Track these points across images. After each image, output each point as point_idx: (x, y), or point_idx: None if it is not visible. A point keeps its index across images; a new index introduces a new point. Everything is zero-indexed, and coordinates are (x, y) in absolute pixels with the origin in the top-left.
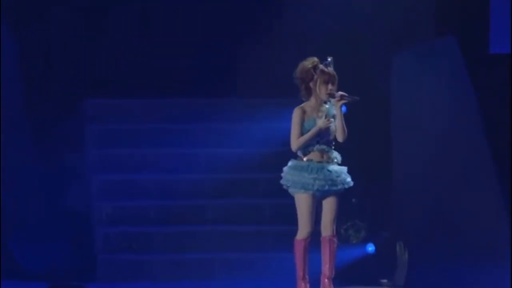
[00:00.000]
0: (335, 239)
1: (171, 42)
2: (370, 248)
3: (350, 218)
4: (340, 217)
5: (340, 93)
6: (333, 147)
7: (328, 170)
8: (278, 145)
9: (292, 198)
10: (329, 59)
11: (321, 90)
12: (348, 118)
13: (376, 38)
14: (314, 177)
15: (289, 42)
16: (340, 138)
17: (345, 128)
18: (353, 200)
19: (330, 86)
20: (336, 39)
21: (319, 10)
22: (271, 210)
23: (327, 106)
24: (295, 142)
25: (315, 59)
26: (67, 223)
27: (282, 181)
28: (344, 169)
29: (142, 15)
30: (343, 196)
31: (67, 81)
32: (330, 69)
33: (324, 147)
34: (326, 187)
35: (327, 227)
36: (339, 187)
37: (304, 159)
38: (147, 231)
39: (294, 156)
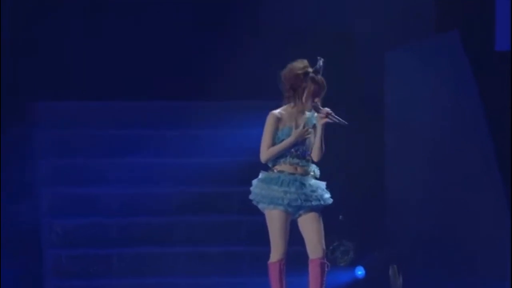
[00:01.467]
0: (325, 262)
1: (135, 37)
2: (360, 272)
3: (337, 238)
4: (325, 237)
5: (327, 110)
6: (310, 161)
7: (302, 183)
8: (257, 154)
9: None
10: (320, 63)
11: (307, 100)
12: (335, 124)
13: (370, 33)
14: (285, 190)
15: (275, 40)
16: (315, 157)
17: (323, 147)
18: (340, 217)
19: (317, 99)
20: (325, 35)
21: (305, 4)
22: (247, 228)
23: (308, 114)
24: (265, 153)
25: (306, 63)
26: (12, 243)
27: (250, 196)
28: (322, 184)
29: (104, 8)
30: (327, 213)
31: (12, 80)
32: (320, 78)
33: (297, 160)
34: (299, 202)
35: (315, 249)
36: (314, 203)
37: (275, 170)
38: (106, 253)
39: (266, 167)
